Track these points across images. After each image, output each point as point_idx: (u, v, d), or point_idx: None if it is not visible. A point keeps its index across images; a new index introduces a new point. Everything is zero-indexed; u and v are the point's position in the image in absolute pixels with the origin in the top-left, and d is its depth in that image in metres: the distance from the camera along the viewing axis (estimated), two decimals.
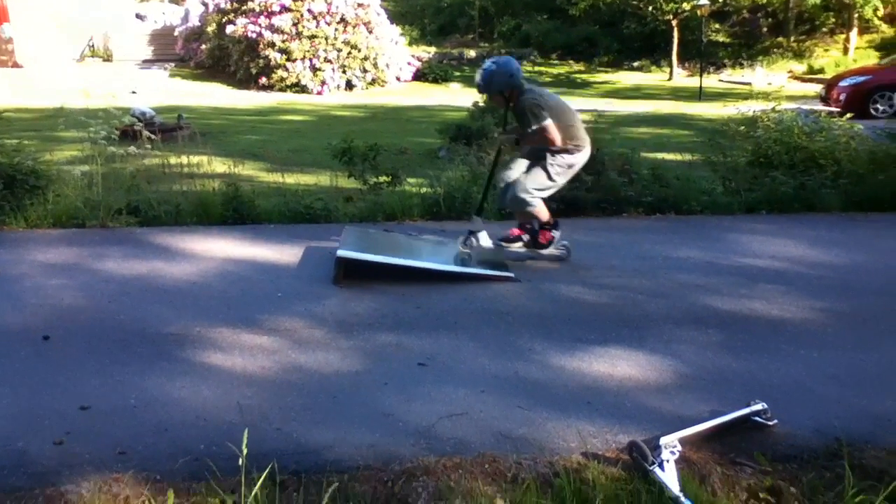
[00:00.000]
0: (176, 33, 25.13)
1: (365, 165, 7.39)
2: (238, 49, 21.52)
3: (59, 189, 6.64)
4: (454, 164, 8.58)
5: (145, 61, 24.92)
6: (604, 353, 3.85)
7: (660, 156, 9.13)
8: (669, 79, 24.85)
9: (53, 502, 2.64)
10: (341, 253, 4.86)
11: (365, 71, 21.64)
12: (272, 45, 20.68)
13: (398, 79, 22.77)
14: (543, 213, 5.20)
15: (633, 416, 3.23)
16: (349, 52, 21.20)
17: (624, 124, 13.70)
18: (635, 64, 27.04)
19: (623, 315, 4.39)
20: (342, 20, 21.30)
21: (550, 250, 5.31)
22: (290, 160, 9.90)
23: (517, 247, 5.41)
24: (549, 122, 4.88)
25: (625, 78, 25.42)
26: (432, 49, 26.52)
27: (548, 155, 5.04)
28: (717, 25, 27.93)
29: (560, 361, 3.77)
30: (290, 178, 7.81)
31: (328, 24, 21.03)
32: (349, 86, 21.47)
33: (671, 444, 2.83)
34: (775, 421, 3.15)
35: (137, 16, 27.36)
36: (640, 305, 4.54)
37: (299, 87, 20.73)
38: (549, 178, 5.07)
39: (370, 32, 21.77)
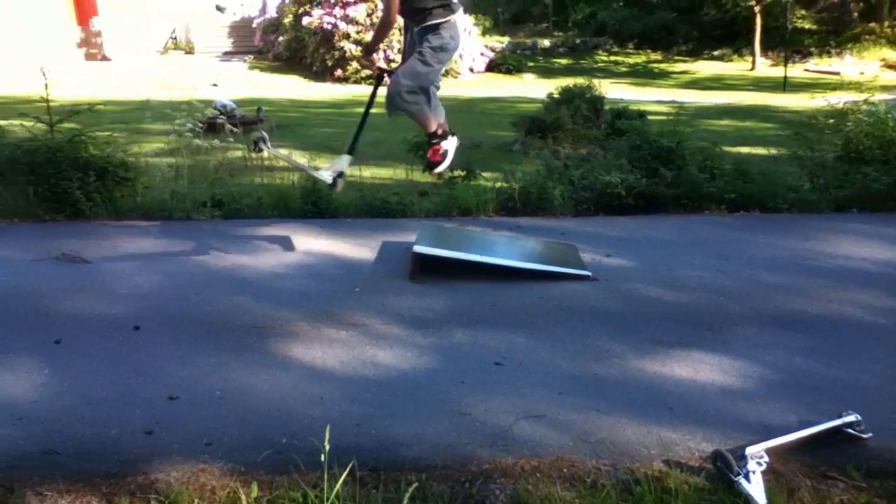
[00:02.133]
0: (254, 25, 25.68)
1: None
2: (314, 41, 21.83)
3: (148, 181, 6.89)
4: (529, 158, 8.53)
5: (225, 53, 25.57)
6: (685, 357, 3.76)
7: (743, 150, 8.83)
8: (752, 68, 24.01)
9: (144, 490, 2.74)
10: (417, 248, 4.88)
11: None
12: (347, 36, 20.90)
13: (471, 70, 22.70)
14: (428, 119, 4.82)
15: (717, 424, 3.15)
16: None
17: (704, 116, 13.33)
18: (715, 53, 26.24)
19: (705, 317, 4.27)
20: None
21: (447, 164, 4.99)
22: (365, 153, 9.99)
23: (443, 168, 5.11)
24: None
25: (704, 67, 24.70)
26: (505, 39, 26.31)
27: (420, 40, 4.64)
28: (802, 11, 26.78)
29: (640, 364, 3.70)
30: (367, 172, 7.89)
31: None
32: None
33: (758, 455, 2.75)
34: (869, 434, 3.02)
35: (217, 7, 28.08)
36: (723, 307, 4.42)
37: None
38: (422, 62, 4.60)
39: None
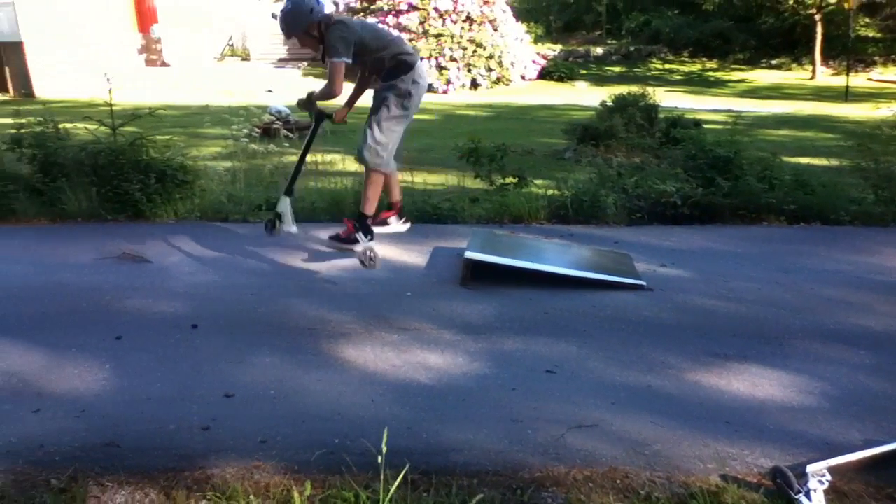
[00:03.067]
0: None
1: (492, 166, 7.40)
2: None
3: (205, 184, 7.05)
4: (581, 166, 8.47)
5: (280, 60, 26.00)
6: (743, 371, 3.67)
7: (802, 160, 8.63)
8: (812, 77, 23.43)
9: (200, 484, 2.79)
10: (469, 254, 4.88)
11: (490, 69, 21.68)
12: None
13: (523, 77, 22.67)
14: (376, 189, 4.76)
15: (776, 440, 3.06)
16: (474, 51, 21.31)
17: (762, 126, 13.06)
18: (773, 61, 25.70)
19: (764, 331, 4.17)
20: (468, 18, 21.45)
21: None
22: (417, 159, 10.06)
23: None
24: (340, 60, 4.37)
25: (762, 76, 24.21)
26: (558, 47, 26.23)
27: (380, 91, 4.65)
28: (866, 19, 26.05)
29: (695, 377, 3.63)
30: (418, 178, 7.93)
31: (454, 22, 21.23)
32: (474, 85, 21.58)
33: (819, 473, 2.67)
34: None
35: (273, 15, 28.57)
36: (782, 321, 4.30)
37: None
38: (389, 113, 4.60)
39: (495, 30, 21.80)
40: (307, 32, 4.49)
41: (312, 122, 5.01)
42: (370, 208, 4.76)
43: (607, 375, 3.65)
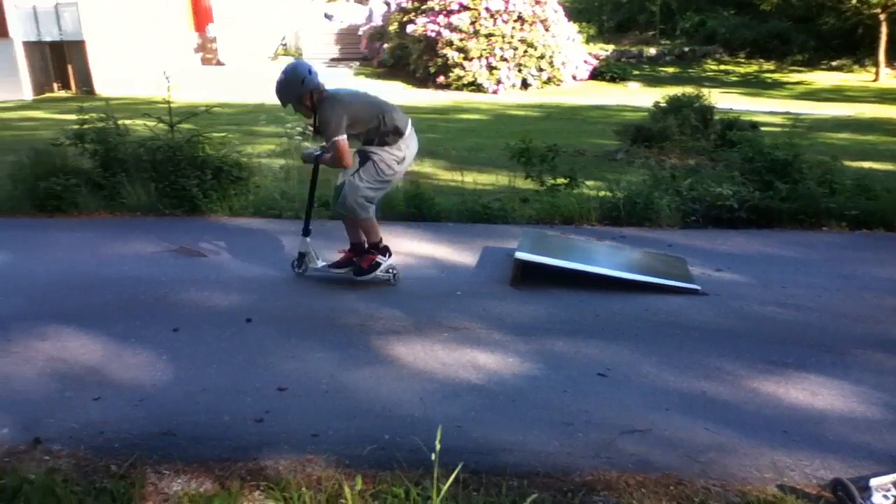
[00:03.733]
0: (360, 32, 26.29)
1: (543, 166, 7.35)
2: (418, 48, 22.15)
3: (259, 180, 7.16)
4: (633, 168, 8.37)
5: (332, 59, 26.27)
6: (802, 379, 3.58)
7: (865, 164, 8.37)
8: (875, 79, 22.68)
9: (254, 475, 2.84)
10: (520, 255, 4.86)
11: (540, 70, 21.53)
12: (450, 43, 21.10)
13: (574, 78, 22.46)
14: (373, 228, 4.83)
15: (837, 451, 2.98)
16: (525, 51, 21.19)
17: (821, 129, 12.70)
18: (833, 63, 24.95)
19: (824, 339, 4.06)
20: (519, 18, 21.33)
21: (373, 275, 4.84)
22: (467, 159, 10.07)
23: (345, 271, 4.97)
24: (341, 139, 4.47)
25: (821, 78, 23.54)
26: (610, 47, 25.92)
27: (374, 152, 4.68)
28: None
29: (752, 384, 3.55)
30: (468, 177, 7.92)
31: (505, 22, 21.14)
32: (524, 85, 21.46)
33: (884, 487, 2.59)
34: None
35: (326, 15, 28.90)
36: (843, 330, 4.18)
37: (475, 86, 21.02)
38: (380, 174, 4.66)
39: (546, 30, 21.63)
40: (300, 101, 4.59)
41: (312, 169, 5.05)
42: (375, 237, 4.85)
43: (660, 380, 3.59)
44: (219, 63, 25.82)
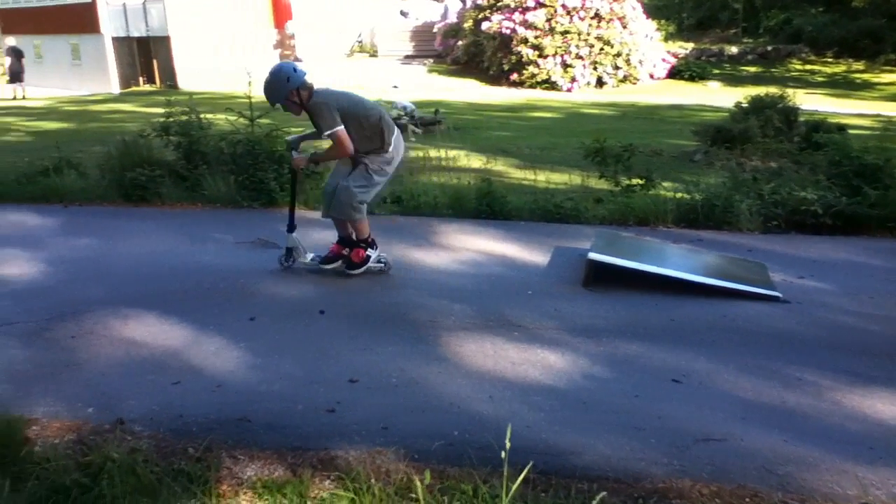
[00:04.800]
0: (435, 30, 26.40)
1: (618, 166, 7.23)
2: (492, 45, 22.11)
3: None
4: (712, 169, 8.15)
5: (406, 56, 26.47)
6: (890, 394, 3.41)
7: None
8: None
9: (325, 464, 2.89)
10: (593, 256, 4.80)
11: (616, 68, 21.19)
12: (525, 41, 20.97)
13: (651, 76, 22.01)
14: (365, 227, 4.91)
15: None
16: (601, 49, 20.88)
17: None
18: None
19: None
20: (596, 15, 21.03)
21: (364, 269, 4.95)
22: (539, 157, 10.00)
23: (337, 265, 5.02)
24: (340, 128, 4.55)
25: None
26: (689, 45, 25.27)
27: (364, 157, 4.73)
28: None
29: (835, 396, 3.41)
30: (541, 176, 7.86)
31: (581, 19, 20.87)
32: (599, 83, 21.16)
33: None
34: None
35: (401, 12, 29.14)
36: None
37: (549, 84, 20.84)
38: (371, 177, 4.76)
39: (624, 27, 21.26)
40: (288, 99, 4.65)
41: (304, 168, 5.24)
42: (365, 234, 4.95)
43: (738, 389, 3.49)
44: (296, 59, 26.33)
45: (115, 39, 24.17)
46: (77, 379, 3.55)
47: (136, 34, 23.85)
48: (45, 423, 3.14)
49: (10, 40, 24.05)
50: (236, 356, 3.78)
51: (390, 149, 4.76)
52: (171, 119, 7.30)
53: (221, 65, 21.88)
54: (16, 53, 22.84)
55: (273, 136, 7.04)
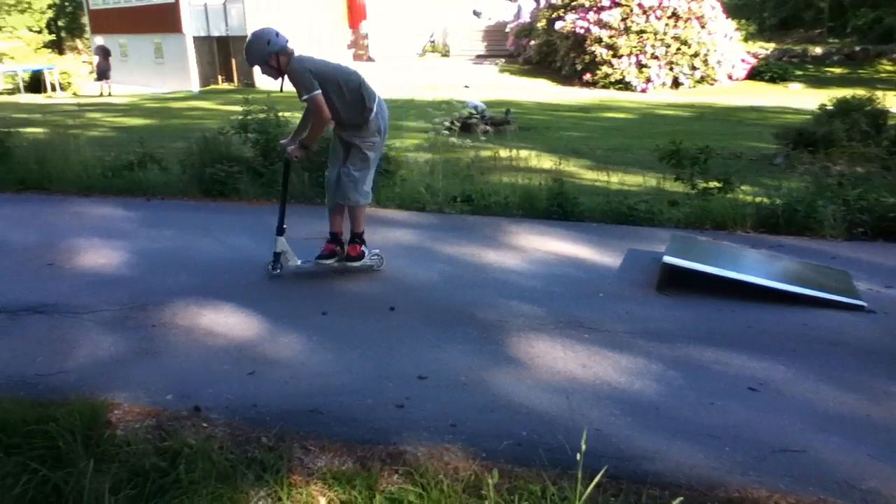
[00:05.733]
0: (507, 29, 26.37)
1: (694, 169, 7.06)
2: (565, 45, 21.94)
3: (406, 174, 7.34)
4: (794, 173, 7.87)
5: (478, 56, 26.52)
6: None
7: None
8: None
9: (394, 459, 2.91)
10: (668, 259, 4.69)
11: (694, 68, 20.72)
12: (599, 40, 20.73)
13: (730, 77, 21.43)
14: (363, 218, 4.97)
15: None
16: (678, 49, 20.46)
17: None
18: None
19: None
20: (673, 14, 20.61)
21: (363, 262, 5.00)
22: (612, 158, 9.86)
23: (332, 262, 5.01)
24: (317, 94, 4.51)
25: None
26: (771, 45, 24.51)
27: (354, 132, 4.74)
28: None
29: None
30: (613, 178, 7.75)
31: (658, 18, 20.50)
32: (675, 83, 20.74)
33: None
34: None
35: (474, 12, 29.19)
36: None
37: (623, 84, 20.55)
38: (366, 156, 4.78)
39: (702, 27, 20.77)
40: (266, 63, 4.64)
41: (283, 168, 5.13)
42: (361, 226, 5.00)
43: (819, 399, 3.36)
44: (369, 59, 26.72)
45: (196, 39, 24.98)
46: (157, 366, 3.68)
47: (216, 34, 24.60)
48: (127, 407, 3.26)
49: (99, 39, 25.17)
50: (308, 349, 3.85)
51: (372, 116, 4.73)
52: (249, 117, 7.49)
53: None
54: (103, 52, 23.87)
55: None
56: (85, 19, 32.95)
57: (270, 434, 3.03)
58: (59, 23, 36.72)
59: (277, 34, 4.64)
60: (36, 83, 24.82)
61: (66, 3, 37.25)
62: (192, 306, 4.39)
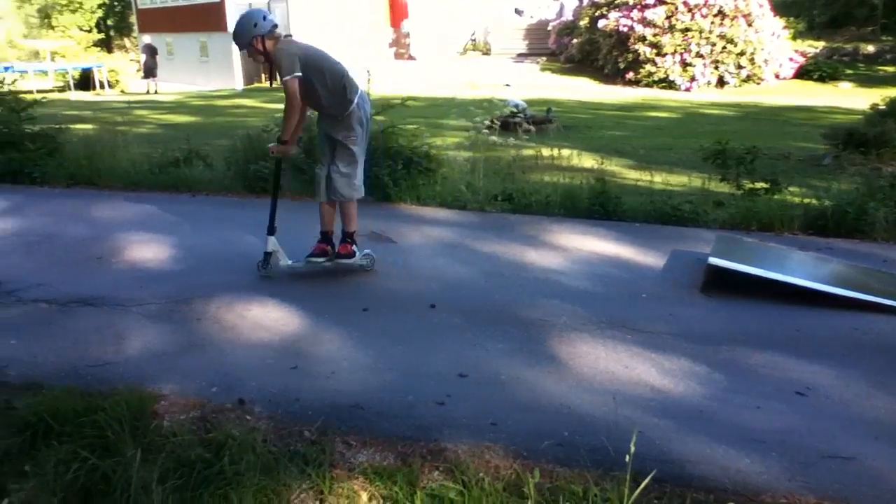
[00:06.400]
0: (549, 28, 26.20)
1: (740, 169, 6.93)
2: (608, 43, 21.72)
3: (447, 172, 7.35)
4: (844, 174, 7.69)
5: (519, 55, 26.40)
6: None
7: None
8: None
9: (434, 455, 2.91)
10: (713, 260, 4.62)
11: (740, 67, 20.34)
12: (643, 39, 20.48)
13: (777, 76, 20.99)
14: (355, 215, 4.92)
15: None
16: (724, 47, 20.10)
17: None
18: None
19: None
20: (719, 12, 20.25)
21: (353, 261, 4.93)
22: (655, 158, 9.74)
23: (323, 260, 4.93)
24: (290, 78, 4.46)
25: None
26: (820, 44, 23.93)
27: (337, 126, 4.69)
28: None
29: None
30: (657, 177, 7.65)
31: (704, 16, 20.17)
32: (720, 82, 20.38)
33: None
34: None
35: (516, 10, 29.06)
36: None
37: (666, 83, 20.27)
38: (351, 150, 4.72)
39: (749, 25, 20.37)
40: (253, 46, 4.60)
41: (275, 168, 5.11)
42: (354, 224, 4.96)
43: (869, 406, 3.27)
44: (410, 58, 26.79)
45: None
46: (202, 359, 3.74)
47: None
48: (173, 399, 3.32)
49: (146, 38, 25.74)
50: (350, 345, 3.88)
51: (352, 107, 4.67)
52: None
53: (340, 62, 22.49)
54: (150, 50, 24.39)
55: (389, 132, 7.17)
56: (133, 18, 33.68)
57: (313, 428, 3.06)
58: (108, 22, 37.59)
59: (265, 17, 4.61)
60: (85, 81, 25.49)
61: (115, 3, 38.13)
62: (236, 301, 4.45)
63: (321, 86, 4.60)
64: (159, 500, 2.57)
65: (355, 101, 4.69)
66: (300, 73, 4.50)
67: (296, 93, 4.51)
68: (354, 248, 4.96)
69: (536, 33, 27.01)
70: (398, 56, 27.21)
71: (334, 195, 4.86)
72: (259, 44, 4.58)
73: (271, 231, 4.87)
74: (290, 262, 4.95)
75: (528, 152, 8.87)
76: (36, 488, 2.76)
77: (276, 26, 4.63)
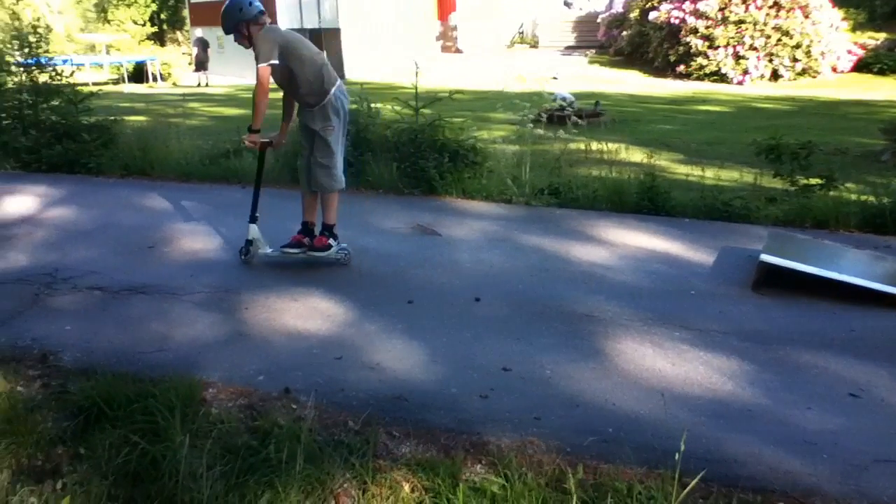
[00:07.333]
0: (598, 20, 25.86)
1: (794, 165, 6.74)
2: (658, 35, 21.33)
3: (492, 165, 7.32)
4: None
5: (567, 48, 26.14)
6: None
7: None
8: None
9: (477, 449, 2.92)
10: (765, 257, 4.51)
11: (795, 60, 19.76)
12: (695, 31, 20.05)
13: (834, 69, 20.33)
14: (335, 210, 4.93)
15: None
16: (779, 39, 19.55)
17: None
18: None
19: None
20: (775, 4, 19.72)
21: (328, 254, 4.95)
22: (706, 153, 9.54)
23: (298, 252, 4.97)
24: (264, 65, 4.48)
25: None
26: (881, 35, 23.08)
27: (314, 117, 4.71)
28: None
29: None
30: (708, 172, 7.49)
31: (758, 8, 19.65)
32: (775, 76, 19.83)
33: None
34: None
35: (565, 3, 28.78)
36: None
37: (718, 76, 19.81)
38: (328, 141, 4.73)
39: (806, 17, 19.76)
40: (238, 30, 4.62)
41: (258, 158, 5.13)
42: (333, 217, 4.97)
43: None
44: (457, 51, 26.75)
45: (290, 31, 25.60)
46: (249, 348, 3.80)
47: (309, 26, 25.09)
48: (220, 387, 3.39)
49: (198, 32, 26.18)
50: (394, 336, 3.90)
51: (327, 99, 4.70)
52: None
53: (387, 55, 22.60)
54: (202, 44, 24.81)
55: (436, 125, 7.18)
56: (185, 12, 34.27)
57: (357, 418, 3.09)
58: (162, 16, 38.30)
59: (251, 3, 4.64)
60: (139, 73, 26.08)
61: None
62: (282, 291, 4.52)
63: (300, 73, 4.67)
64: (207, 486, 2.62)
65: (332, 91, 4.75)
66: (276, 61, 4.55)
67: (265, 80, 4.56)
68: (331, 241, 5.00)
69: (585, 26, 26.70)
70: (445, 49, 27.19)
71: (315, 186, 4.93)
72: (244, 29, 4.65)
73: (253, 219, 4.99)
74: (268, 251, 5.05)
75: (576, 146, 8.79)
76: (89, 471, 2.84)
77: (262, 12, 4.70)
